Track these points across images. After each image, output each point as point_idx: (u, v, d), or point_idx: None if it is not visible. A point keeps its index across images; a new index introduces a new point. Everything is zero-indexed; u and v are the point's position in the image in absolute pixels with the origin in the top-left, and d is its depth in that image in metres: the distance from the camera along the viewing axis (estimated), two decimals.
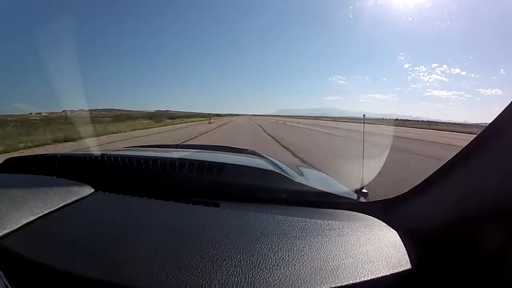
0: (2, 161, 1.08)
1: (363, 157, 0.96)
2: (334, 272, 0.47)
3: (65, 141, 9.15)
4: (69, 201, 0.70)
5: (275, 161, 1.16)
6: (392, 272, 0.49)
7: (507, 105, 0.49)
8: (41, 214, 0.62)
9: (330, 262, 0.50)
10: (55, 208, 0.65)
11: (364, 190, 0.87)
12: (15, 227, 0.56)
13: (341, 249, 0.54)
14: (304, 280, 0.45)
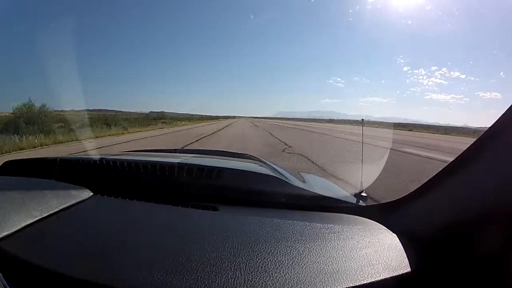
0: (0, 164, 1.08)
1: (362, 161, 0.96)
2: (334, 276, 0.47)
3: None
4: (68, 204, 0.70)
5: (274, 166, 1.16)
6: (391, 275, 0.49)
7: (506, 108, 0.50)
8: (40, 217, 0.61)
9: (329, 266, 0.50)
10: (54, 211, 0.65)
11: (363, 194, 0.87)
12: (14, 229, 0.56)
13: (340, 252, 0.54)
14: (304, 283, 0.45)
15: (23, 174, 0.96)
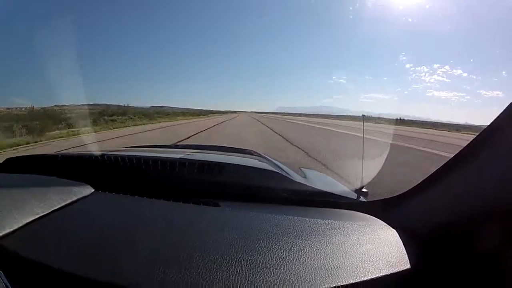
0: (2, 161, 1.08)
1: (363, 157, 0.96)
2: (334, 271, 0.47)
3: None
4: (69, 201, 0.70)
5: (275, 161, 1.16)
6: (392, 272, 0.49)
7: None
8: (41, 214, 0.62)
9: (330, 262, 0.50)
10: (56, 208, 0.66)
11: (364, 190, 0.87)
12: (15, 227, 0.56)
13: (341, 248, 0.54)
14: (305, 279, 0.45)
15: (25, 171, 0.96)
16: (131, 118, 22.48)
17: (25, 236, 0.55)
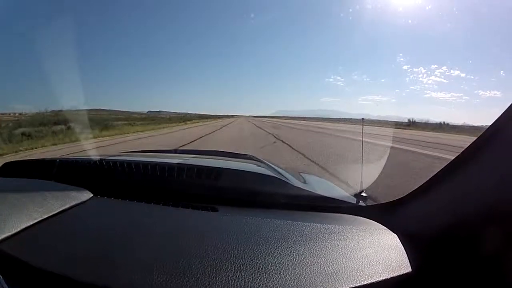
0: (0, 165, 1.07)
1: (362, 161, 0.96)
2: (334, 276, 0.47)
3: None
4: (68, 205, 0.70)
5: (274, 166, 1.16)
6: (392, 276, 0.49)
7: (506, 107, 0.50)
8: (40, 219, 0.61)
9: (330, 266, 0.50)
10: (54, 212, 0.65)
11: (364, 194, 0.87)
12: (14, 231, 0.56)
13: (341, 253, 0.54)
14: (304, 284, 0.45)
15: (23, 175, 0.96)
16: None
17: (23, 240, 0.55)
